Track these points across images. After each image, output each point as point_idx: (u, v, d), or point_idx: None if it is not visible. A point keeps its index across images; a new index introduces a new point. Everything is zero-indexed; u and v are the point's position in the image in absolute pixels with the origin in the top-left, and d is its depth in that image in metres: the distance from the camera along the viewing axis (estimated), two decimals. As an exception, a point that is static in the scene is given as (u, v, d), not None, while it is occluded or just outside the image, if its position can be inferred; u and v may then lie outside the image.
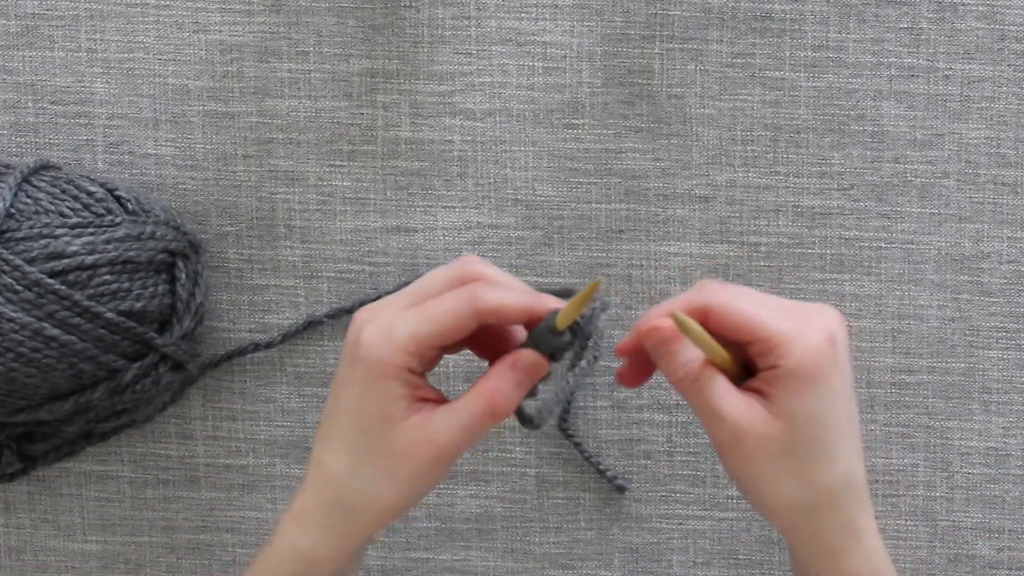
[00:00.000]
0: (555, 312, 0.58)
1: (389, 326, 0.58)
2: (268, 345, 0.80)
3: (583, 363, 0.60)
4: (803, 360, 0.57)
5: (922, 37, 0.79)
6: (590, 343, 0.60)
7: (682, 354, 0.59)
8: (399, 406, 0.58)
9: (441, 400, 0.60)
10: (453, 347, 0.62)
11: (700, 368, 0.58)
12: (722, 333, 0.58)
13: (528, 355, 0.59)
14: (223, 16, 0.79)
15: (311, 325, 0.80)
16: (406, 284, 0.77)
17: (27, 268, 0.70)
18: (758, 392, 0.58)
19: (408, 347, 0.57)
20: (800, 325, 0.57)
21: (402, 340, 0.57)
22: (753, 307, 0.58)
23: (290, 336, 0.80)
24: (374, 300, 0.77)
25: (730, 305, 0.58)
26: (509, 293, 0.58)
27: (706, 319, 0.58)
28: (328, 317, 0.80)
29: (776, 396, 0.58)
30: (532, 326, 0.60)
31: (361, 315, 0.59)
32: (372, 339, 0.58)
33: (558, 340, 0.58)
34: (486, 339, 0.62)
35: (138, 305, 0.73)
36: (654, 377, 0.76)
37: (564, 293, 0.62)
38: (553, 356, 0.59)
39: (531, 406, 0.63)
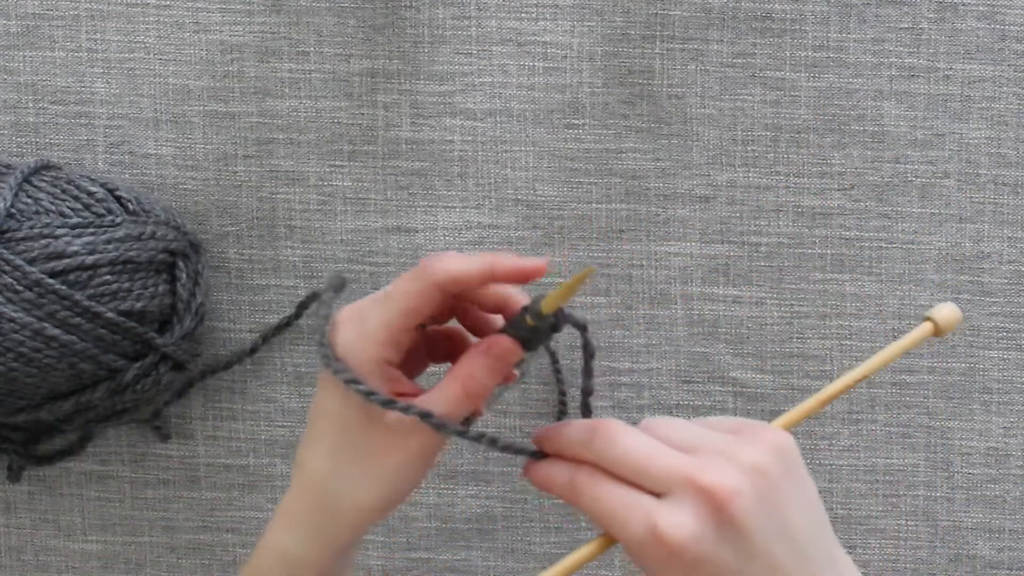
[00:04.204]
0: (540, 297, 0.58)
1: (360, 320, 0.58)
2: (232, 361, 0.81)
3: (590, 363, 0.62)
4: (631, 554, 0.56)
5: (923, 37, 0.79)
6: (589, 339, 0.61)
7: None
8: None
9: (418, 393, 0.60)
10: (438, 356, 0.62)
11: None
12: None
13: (502, 340, 0.59)
14: (224, 16, 0.79)
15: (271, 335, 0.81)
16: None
17: (28, 268, 0.70)
18: None
19: (379, 337, 0.58)
20: (631, 508, 0.55)
21: (373, 330, 0.58)
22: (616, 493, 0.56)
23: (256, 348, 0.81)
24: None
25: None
26: (462, 259, 0.58)
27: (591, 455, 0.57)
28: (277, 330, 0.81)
29: None
30: (509, 312, 0.61)
31: (339, 316, 0.60)
32: (346, 337, 0.58)
33: (542, 324, 0.58)
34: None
35: (138, 305, 0.73)
36: (653, 377, 0.76)
37: None
38: (527, 343, 0.59)
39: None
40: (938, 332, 0.60)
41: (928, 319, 0.60)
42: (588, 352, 0.62)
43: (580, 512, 0.65)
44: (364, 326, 0.58)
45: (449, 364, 0.64)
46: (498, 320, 0.62)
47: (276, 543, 0.61)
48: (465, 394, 0.58)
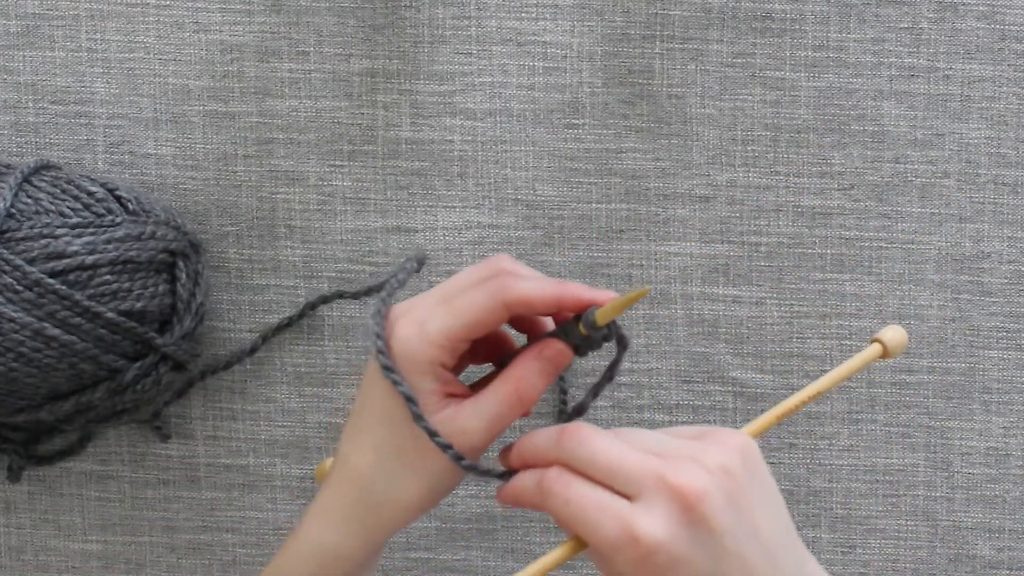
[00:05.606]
0: (595, 308, 0.58)
1: (421, 321, 0.58)
2: (228, 364, 0.81)
3: (617, 366, 0.62)
4: (601, 555, 0.56)
5: (922, 37, 0.79)
6: (624, 347, 0.61)
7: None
8: (429, 401, 0.58)
9: (468, 395, 0.60)
10: (479, 357, 0.62)
11: None
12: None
13: (556, 344, 0.59)
14: (223, 16, 0.79)
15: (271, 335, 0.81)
16: (377, 285, 0.78)
17: (28, 268, 0.70)
18: None
19: (440, 341, 0.58)
20: (604, 514, 0.55)
21: (434, 335, 0.58)
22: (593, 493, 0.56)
23: (243, 356, 0.81)
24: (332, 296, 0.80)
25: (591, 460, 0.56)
26: (536, 283, 0.58)
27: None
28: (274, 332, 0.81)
29: None
30: (560, 316, 0.61)
31: (395, 311, 0.60)
32: (404, 334, 0.58)
33: (595, 335, 0.59)
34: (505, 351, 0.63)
35: (138, 305, 0.73)
36: (653, 377, 0.76)
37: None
38: (578, 349, 0.60)
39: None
40: (887, 354, 0.61)
41: (876, 341, 0.61)
42: (609, 374, 0.62)
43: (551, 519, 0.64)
44: (425, 328, 0.58)
45: (479, 365, 0.64)
46: (548, 322, 0.62)
47: (313, 534, 0.61)
48: (518, 397, 0.58)
